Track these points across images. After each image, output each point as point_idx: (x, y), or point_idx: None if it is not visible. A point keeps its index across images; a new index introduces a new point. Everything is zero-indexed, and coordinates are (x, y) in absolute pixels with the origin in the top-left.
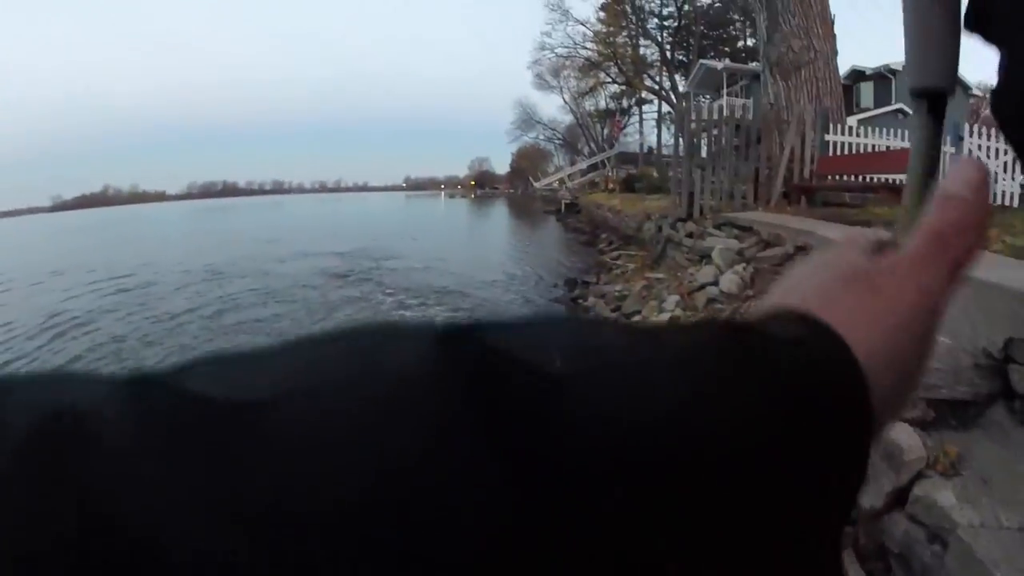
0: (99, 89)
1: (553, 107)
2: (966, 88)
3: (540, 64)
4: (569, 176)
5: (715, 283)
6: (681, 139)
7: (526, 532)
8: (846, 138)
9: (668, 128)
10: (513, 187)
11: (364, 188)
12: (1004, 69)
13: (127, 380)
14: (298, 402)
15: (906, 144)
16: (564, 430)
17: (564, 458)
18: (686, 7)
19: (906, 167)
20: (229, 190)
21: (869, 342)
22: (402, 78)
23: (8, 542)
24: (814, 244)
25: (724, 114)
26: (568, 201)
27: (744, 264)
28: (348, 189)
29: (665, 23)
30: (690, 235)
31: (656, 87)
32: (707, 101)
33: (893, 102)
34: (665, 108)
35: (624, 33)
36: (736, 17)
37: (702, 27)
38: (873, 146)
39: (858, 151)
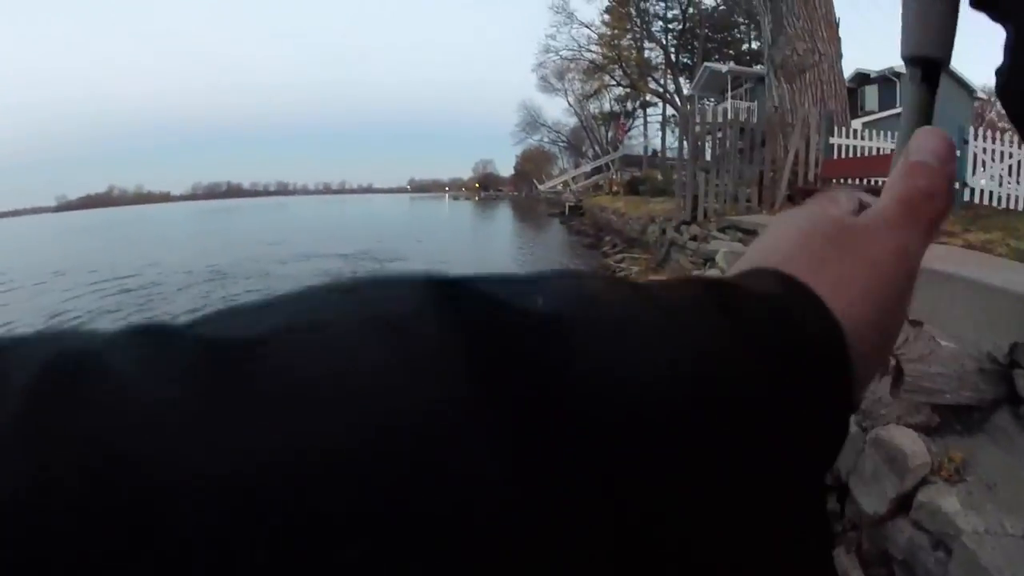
0: (104, 91)
1: (558, 109)
2: (971, 91)
3: (545, 67)
4: (573, 179)
5: None
6: (685, 142)
7: (526, 471)
8: (851, 141)
9: (672, 131)
10: (517, 189)
11: (368, 190)
12: (1010, 46)
13: (128, 329)
14: (299, 337)
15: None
16: (560, 371)
17: (561, 397)
18: (690, 10)
19: None
20: (233, 191)
21: (851, 303)
22: (406, 81)
23: (18, 481)
24: None
25: (728, 117)
26: (572, 204)
27: None
28: (352, 191)
29: (669, 26)
30: (694, 238)
31: (660, 90)
32: (711, 104)
33: (898, 105)
34: (669, 111)
35: (629, 36)
36: (740, 20)
37: (706, 30)
38: (878, 149)
39: (863, 154)
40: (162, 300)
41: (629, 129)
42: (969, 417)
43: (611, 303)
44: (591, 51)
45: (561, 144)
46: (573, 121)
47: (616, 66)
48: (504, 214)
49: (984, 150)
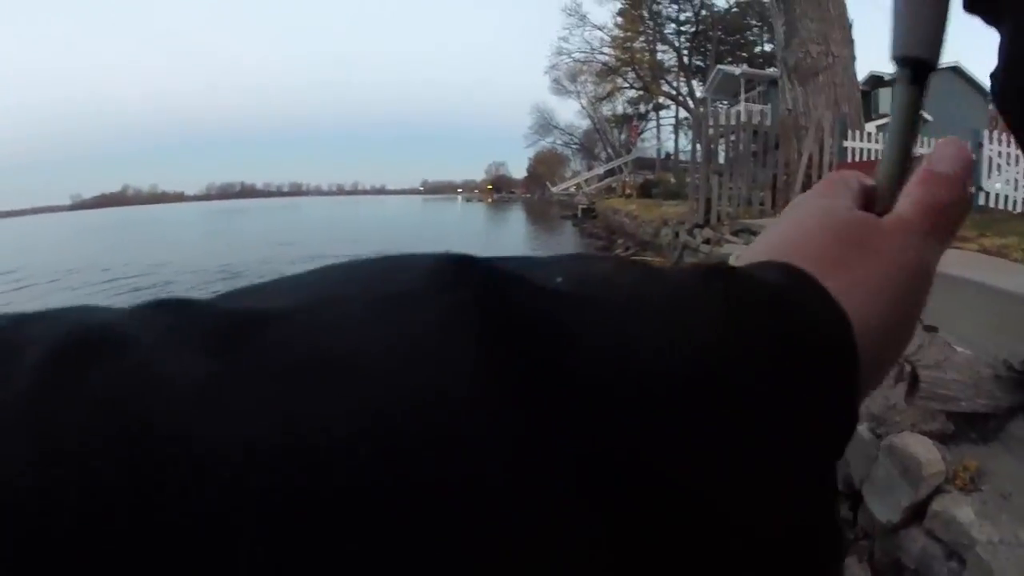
0: (121, 92)
1: (570, 112)
2: (985, 94)
3: (557, 69)
4: (586, 181)
5: None
6: (699, 145)
7: (534, 445)
8: (865, 144)
9: (686, 134)
10: (530, 192)
11: (381, 191)
12: (1004, 50)
13: (146, 303)
14: (316, 312)
15: (925, 150)
16: (569, 348)
17: (570, 373)
18: (703, 12)
19: None
20: (247, 191)
21: (863, 302)
22: (420, 82)
23: (40, 446)
24: None
25: (742, 120)
26: (585, 206)
27: None
28: (365, 192)
29: (682, 28)
30: (707, 241)
31: (673, 92)
32: (725, 107)
33: None
34: (683, 114)
35: (641, 38)
36: (754, 22)
37: (719, 32)
38: None
39: (877, 157)
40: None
41: (642, 132)
42: (984, 425)
43: (621, 284)
44: (604, 53)
45: (574, 147)
46: (586, 124)
47: (629, 68)
48: (517, 216)
49: (999, 154)
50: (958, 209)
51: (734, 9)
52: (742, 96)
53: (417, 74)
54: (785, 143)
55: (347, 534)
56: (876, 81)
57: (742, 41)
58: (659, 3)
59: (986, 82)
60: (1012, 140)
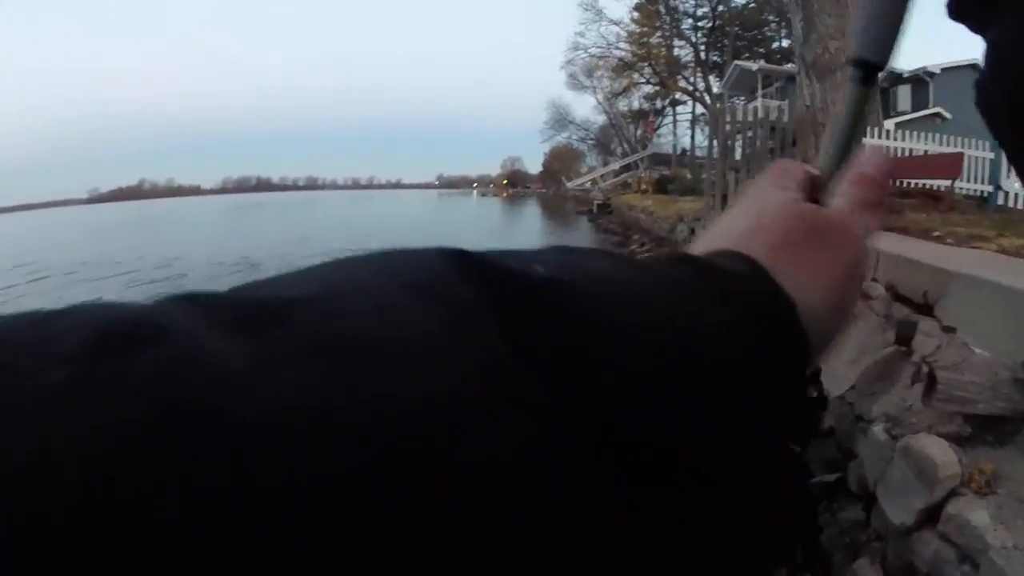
0: (139, 89)
1: (586, 107)
2: None
3: (573, 64)
4: (602, 176)
5: None
6: (715, 141)
7: (556, 408)
8: (883, 142)
9: (702, 130)
10: (545, 187)
11: (397, 185)
12: (988, 59)
13: (172, 295)
14: (337, 297)
15: (943, 148)
16: (578, 327)
17: (580, 348)
18: (720, 8)
19: (944, 173)
20: (263, 185)
21: (814, 291)
22: (436, 77)
23: (86, 424)
24: None
25: (759, 116)
26: (600, 202)
27: None
28: (381, 186)
29: (699, 24)
30: None
31: (690, 88)
32: (742, 102)
33: (931, 105)
34: (699, 109)
35: (658, 34)
36: (771, 18)
37: (737, 28)
38: (910, 150)
39: (895, 155)
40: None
41: (658, 127)
42: (1002, 428)
43: (612, 273)
44: (620, 49)
45: (589, 142)
46: (602, 119)
47: (645, 64)
48: (532, 211)
49: None
50: (882, 205)
51: (751, 4)
52: (759, 92)
53: (433, 69)
54: (803, 140)
55: (387, 505)
56: (894, 78)
57: (759, 37)
58: None
59: None
60: None
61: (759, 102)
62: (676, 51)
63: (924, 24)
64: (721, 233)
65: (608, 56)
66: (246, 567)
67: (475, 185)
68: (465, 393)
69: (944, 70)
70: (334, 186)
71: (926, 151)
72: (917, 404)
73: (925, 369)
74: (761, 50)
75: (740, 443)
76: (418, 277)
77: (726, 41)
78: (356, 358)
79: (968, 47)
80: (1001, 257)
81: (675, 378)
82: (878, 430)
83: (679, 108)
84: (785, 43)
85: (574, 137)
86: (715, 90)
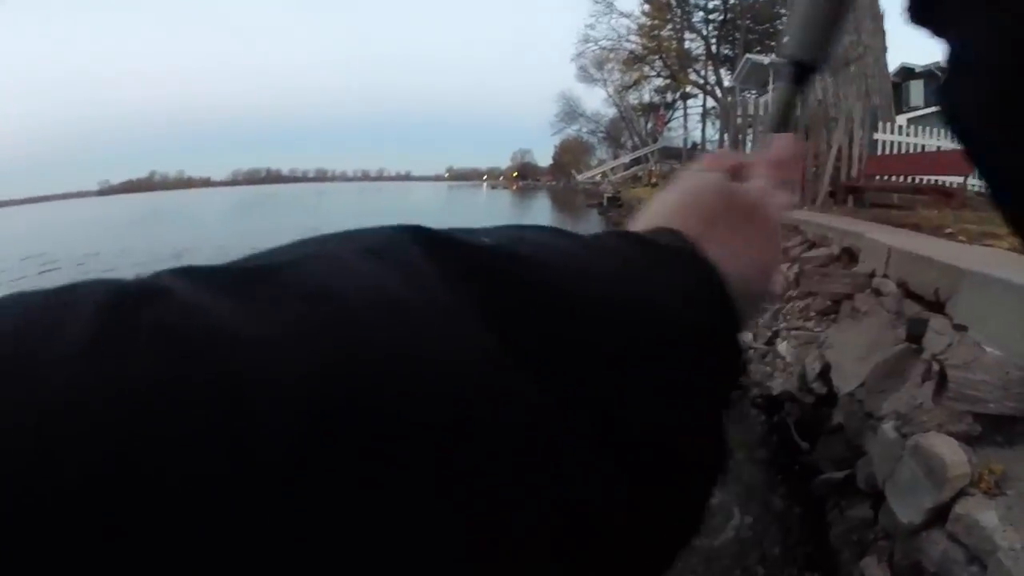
0: (149, 81)
1: (596, 100)
2: None
3: (584, 57)
4: (612, 170)
5: None
6: (726, 134)
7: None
8: (895, 137)
9: (713, 123)
10: (555, 179)
11: (406, 177)
12: (947, 63)
13: (166, 271)
14: (316, 259)
15: (956, 144)
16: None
17: (505, 296)
18: (732, 1)
19: (956, 169)
20: (273, 177)
21: (737, 257)
22: (446, 69)
23: (118, 375)
24: (862, 248)
25: (770, 110)
26: (610, 195)
27: (788, 264)
28: (391, 178)
29: (711, 17)
30: None
31: (701, 81)
32: (753, 96)
33: None
34: (710, 103)
35: (669, 26)
36: (783, 11)
37: (748, 21)
38: (923, 146)
39: (907, 151)
40: None
41: (669, 121)
42: (1012, 428)
43: (556, 244)
44: (630, 41)
45: (600, 135)
46: (612, 112)
47: (656, 57)
48: (542, 204)
49: None
50: (793, 187)
51: None
52: (771, 86)
53: (444, 61)
54: (814, 134)
55: (381, 445)
56: (907, 73)
57: (771, 30)
58: None
59: None
60: None
61: (771, 96)
62: (687, 44)
63: None
64: (654, 211)
65: (619, 49)
66: (247, 488)
67: (485, 178)
68: (422, 333)
69: None
70: (344, 178)
71: (939, 147)
72: (927, 402)
73: (936, 367)
74: (773, 43)
75: (690, 403)
76: (376, 244)
77: (737, 34)
78: (328, 304)
79: None
80: (1013, 255)
81: (626, 342)
82: (888, 428)
83: (690, 101)
84: None
85: (584, 130)
86: (726, 83)
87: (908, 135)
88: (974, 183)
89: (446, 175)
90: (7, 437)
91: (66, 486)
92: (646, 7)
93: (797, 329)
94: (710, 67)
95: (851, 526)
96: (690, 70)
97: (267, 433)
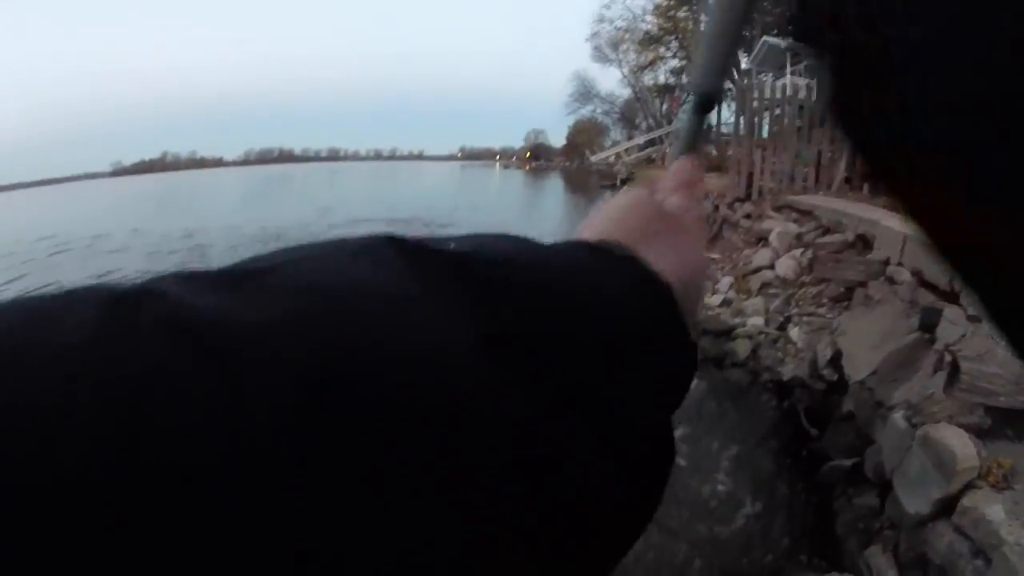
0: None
1: (611, 81)
2: None
3: (599, 37)
4: (626, 151)
5: (771, 267)
6: (742, 118)
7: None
8: None
9: (729, 106)
10: (569, 160)
11: (419, 157)
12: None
13: (162, 275)
14: (307, 259)
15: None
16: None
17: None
18: None
19: None
20: (285, 156)
21: (673, 264)
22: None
23: (123, 373)
24: (877, 235)
25: (787, 94)
26: (624, 176)
27: (802, 249)
28: (403, 158)
29: None
30: (747, 216)
31: None
32: (769, 79)
33: None
34: (726, 85)
35: (685, 7)
36: None
37: (766, 3)
38: None
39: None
40: (212, 262)
41: (684, 102)
42: (1022, 423)
43: (518, 247)
44: (646, 22)
45: (614, 116)
46: (627, 93)
47: (672, 38)
48: (555, 184)
49: None
50: (697, 202)
51: None
52: (788, 69)
53: (458, 40)
54: (829, 119)
55: (366, 431)
56: None
57: (789, 12)
58: None
59: None
60: None
61: (787, 79)
62: (703, 25)
63: None
64: (592, 228)
65: (634, 29)
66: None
67: (498, 158)
68: (409, 324)
69: None
70: (356, 157)
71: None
72: (939, 393)
73: (948, 358)
74: (790, 26)
75: (655, 388)
76: (358, 248)
77: (755, 16)
78: (320, 297)
79: None
80: None
81: (591, 330)
82: (898, 417)
83: None
84: None
85: (598, 111)
86: (743, 66)
87: None
88: None
89: (459, 155)
90: (7, 430)
91: (66, 476)
92: None
93: (809, 315)
94: None
95: (858, 515)
96: None
97: (265, 421)
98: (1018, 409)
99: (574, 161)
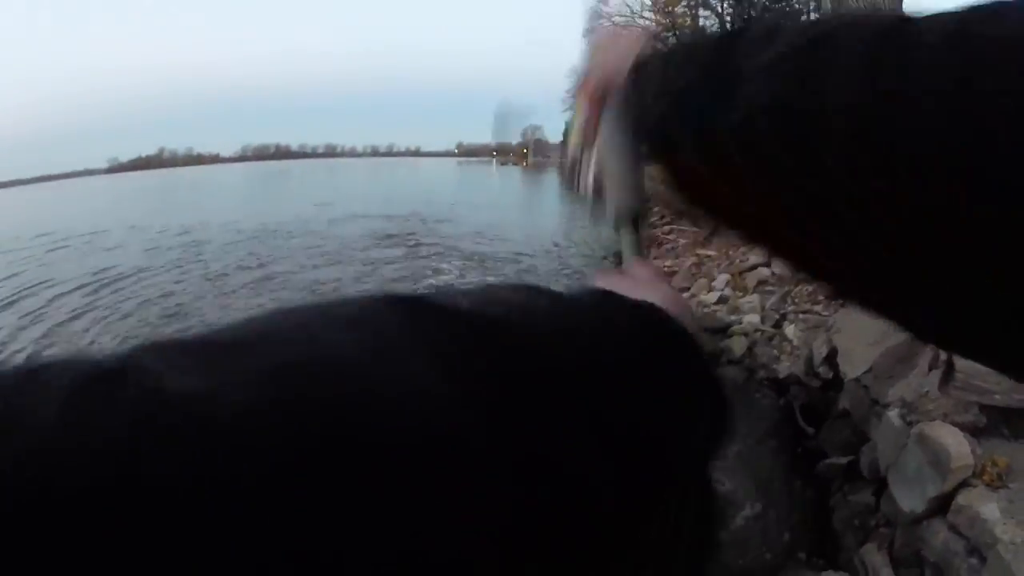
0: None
1: None
2: None
3: (596, 33)
4: None
5: (767, 264)
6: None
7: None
8: None
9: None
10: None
11: (416, 153)
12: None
13: (143, 344)
14: (278, 335)
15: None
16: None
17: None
18: None
19: None
20: (282, 153)
21: (671, 303)
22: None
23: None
24: None
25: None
26: None
27: None
28: (400, 154)
29: None
30: None
31: None
32: None
33: None
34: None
35: (683, 3)
36: None
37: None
38: None
39: None
40: (209, 258)
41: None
42: (1018, 421)
43: (506, 297)
44: (644, 17)
45: None
46: None
47: (670, 34)
48: (552, 180)
49: None
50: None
51: None
52: None
53: (453, 36)
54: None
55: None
56: None
57: (787, 8)
58: None
59: None
60: None
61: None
62: (702, 21)
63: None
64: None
65: (631, 25)
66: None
67: (495, 154)
68: (386, 405)
69: None
70: (353, 153)
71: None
72: (934, 391)
73: (943, 356)
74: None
75: (686, 428)
76: (351, 316)
77: (753, 12)
78: (298, 378)
79: None
80: None
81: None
82: (893, 415)
83: None
84: (814, 16)
85: None
86: None
87: None
88: None
89: (456, 151)
90: None
91: (35, 551)
92: None
93: (805, 312)
94: None
95: (854, 512)
96: None
97: (237, 514)
98: (1013, 408)
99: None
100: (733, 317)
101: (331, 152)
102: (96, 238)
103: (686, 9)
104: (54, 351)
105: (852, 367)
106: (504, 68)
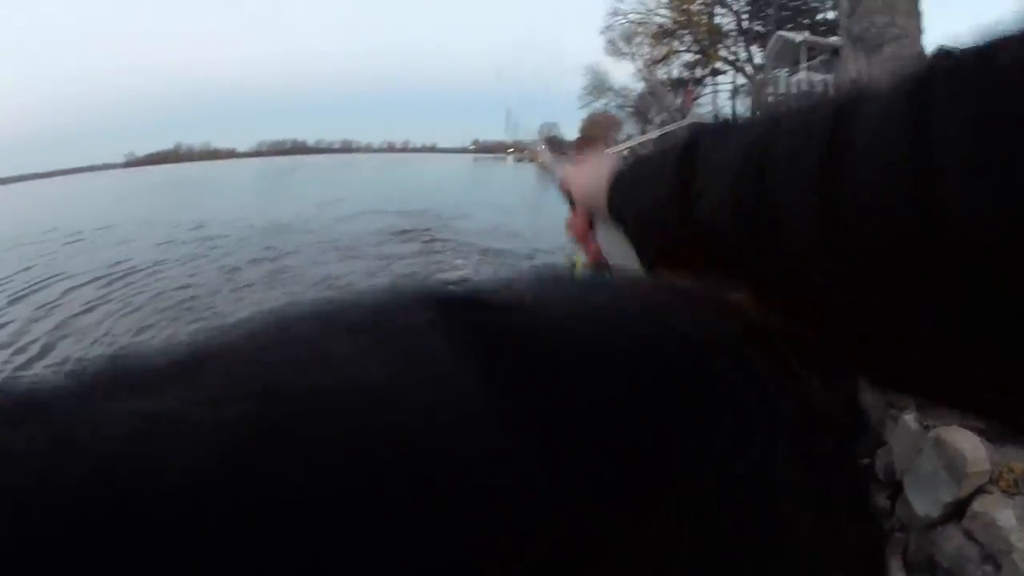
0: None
1: (625, 74)
2: None
3: (612, 30)
4: (640, 145)
5: None
6: (757, 113)
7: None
8: None
9: (743, 101)
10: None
11: (432, 149)
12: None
13: (94, 361)
14: (264, 346)
15: None
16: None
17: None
18: None
19: None
20: (298, 148)
21: None
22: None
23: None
24: None
25: (803, 89)
26: None
27: None
28: (415, 150)
29: None
30: None
31: (731, 58)
32: (785, 75)
33: None
34: (740, 80)
35: (699, 0)
36: None
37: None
38: None
39: None
40: (224, 252)
41: (697, 97)
42: None
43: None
44: (660, 15)
45: (628, 110)
46: (640, 87)
47: (686, 32)
48: None
49: None
50: None
51: None
52: (803, 64)
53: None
54: None
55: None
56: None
57: (804, 7)
58: None
59: None
60: None
61: (803, 75)
62: (717, 19)
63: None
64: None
65: (648, 22)
66: None
67: (510, 151)
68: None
69: None
70: (369, 149)
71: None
72: None
73: None
74: (806, 21)
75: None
76: (361, 321)
77: (770, 10)
78: (281, 400)
79: None
80: None
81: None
82: (909, 419)
83: (719, 78)
84: (831, 15)
85: (612, 104)
86: (757, 60)
87: None
88: None
89: (472, 148)
90: None
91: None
92: None
93: None
94: (741, 43)
95: None
96: (720, 46)
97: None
98: None
99: (588, 155)
100: None
101: (347, 148)
102: (110, 232)
103: (702, 7)
104: (68, 342)
105: None
106: (518, 65)
